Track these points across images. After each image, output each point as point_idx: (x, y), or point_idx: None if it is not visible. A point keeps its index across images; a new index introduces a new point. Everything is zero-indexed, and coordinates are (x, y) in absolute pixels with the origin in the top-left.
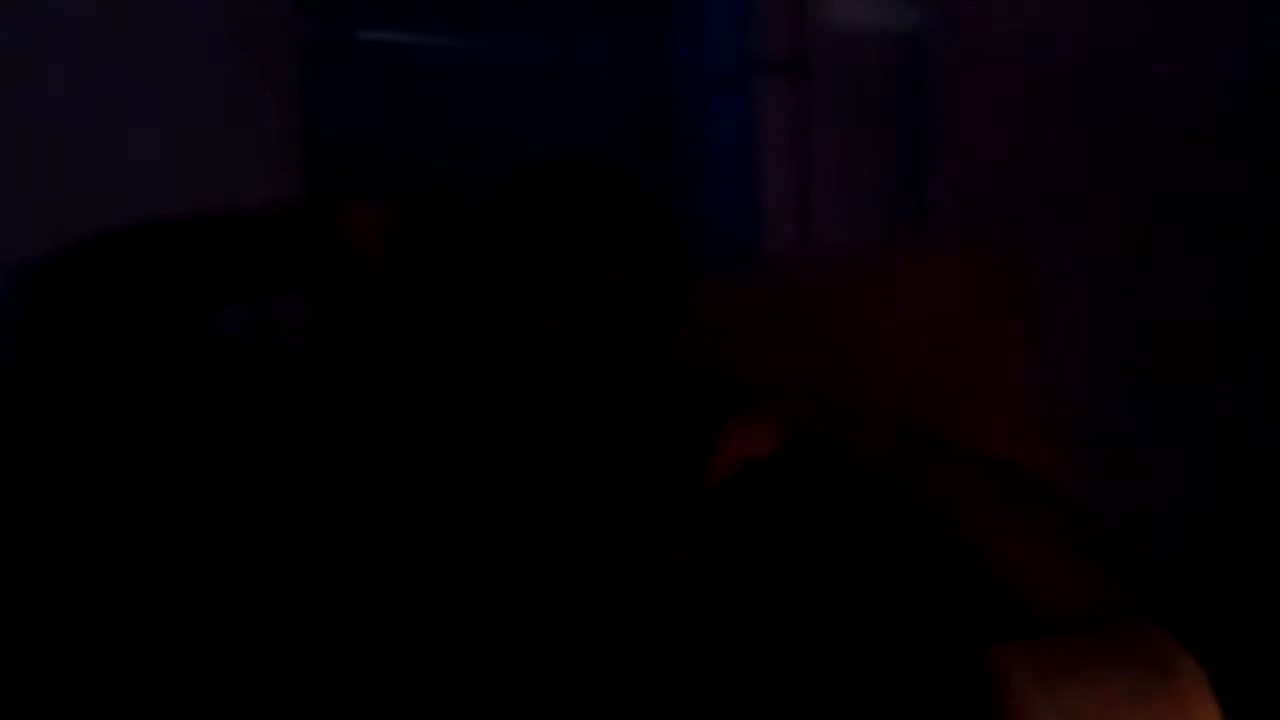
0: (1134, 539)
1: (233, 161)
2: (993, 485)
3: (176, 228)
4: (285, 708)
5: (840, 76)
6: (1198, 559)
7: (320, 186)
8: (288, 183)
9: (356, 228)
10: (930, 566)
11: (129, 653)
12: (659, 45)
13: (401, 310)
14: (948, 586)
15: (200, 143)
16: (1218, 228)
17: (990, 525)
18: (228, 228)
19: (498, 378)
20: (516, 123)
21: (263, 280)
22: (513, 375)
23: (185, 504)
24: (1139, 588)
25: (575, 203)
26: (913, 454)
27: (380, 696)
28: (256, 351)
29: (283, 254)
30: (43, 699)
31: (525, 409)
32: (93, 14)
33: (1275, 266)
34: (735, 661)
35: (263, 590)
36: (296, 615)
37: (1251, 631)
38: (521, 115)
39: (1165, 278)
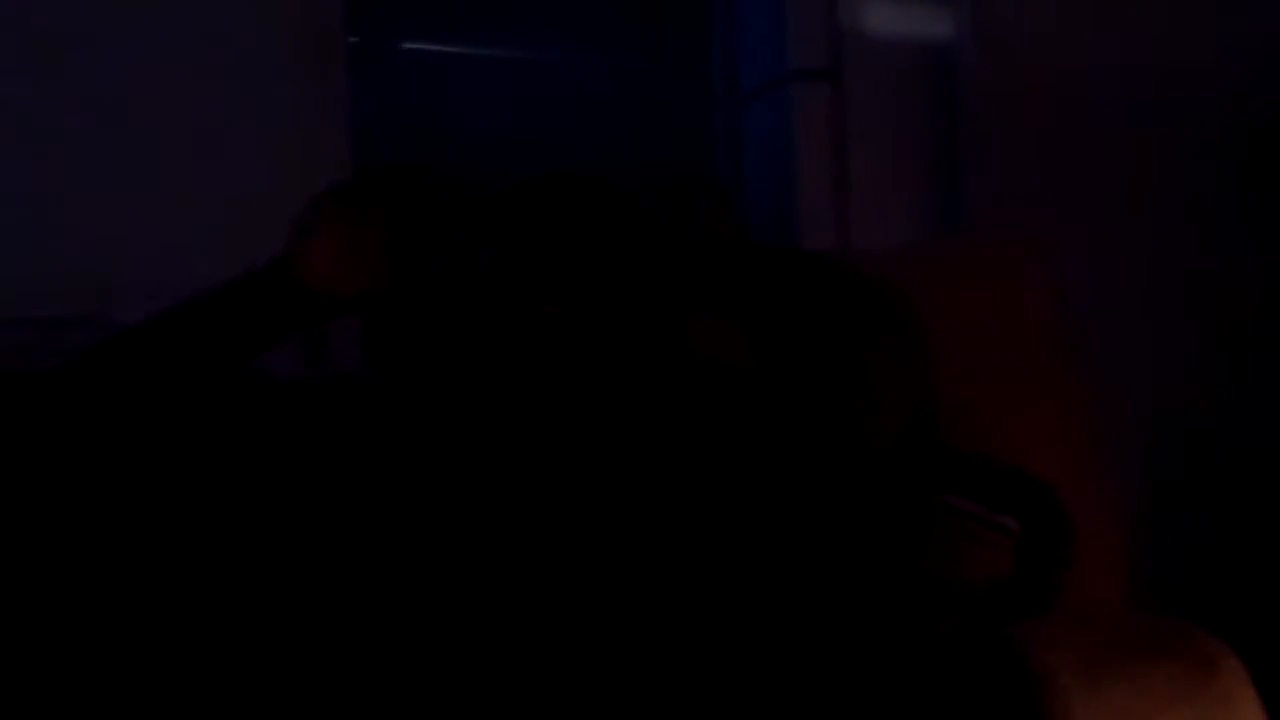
0: (1168, 536)
1: (284, 166)
2: None
3: (142, 335)
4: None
5: (876, 84)
6: (1233, 555)
7: None
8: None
9: (316, 265)
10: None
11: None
12: (697, 55)
13: (417, 314)
14: None
15: (254, 149)
16: (1254, 230)
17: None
18: (193, 316)
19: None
20: (556, 131)
21: (253, 342)
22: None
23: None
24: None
25: (549, 206)
26: None
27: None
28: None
29: (259, 315)
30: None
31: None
32: (151, 27)
33: None
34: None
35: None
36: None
37: None
38: (561, 124)
39: (1201, 280)
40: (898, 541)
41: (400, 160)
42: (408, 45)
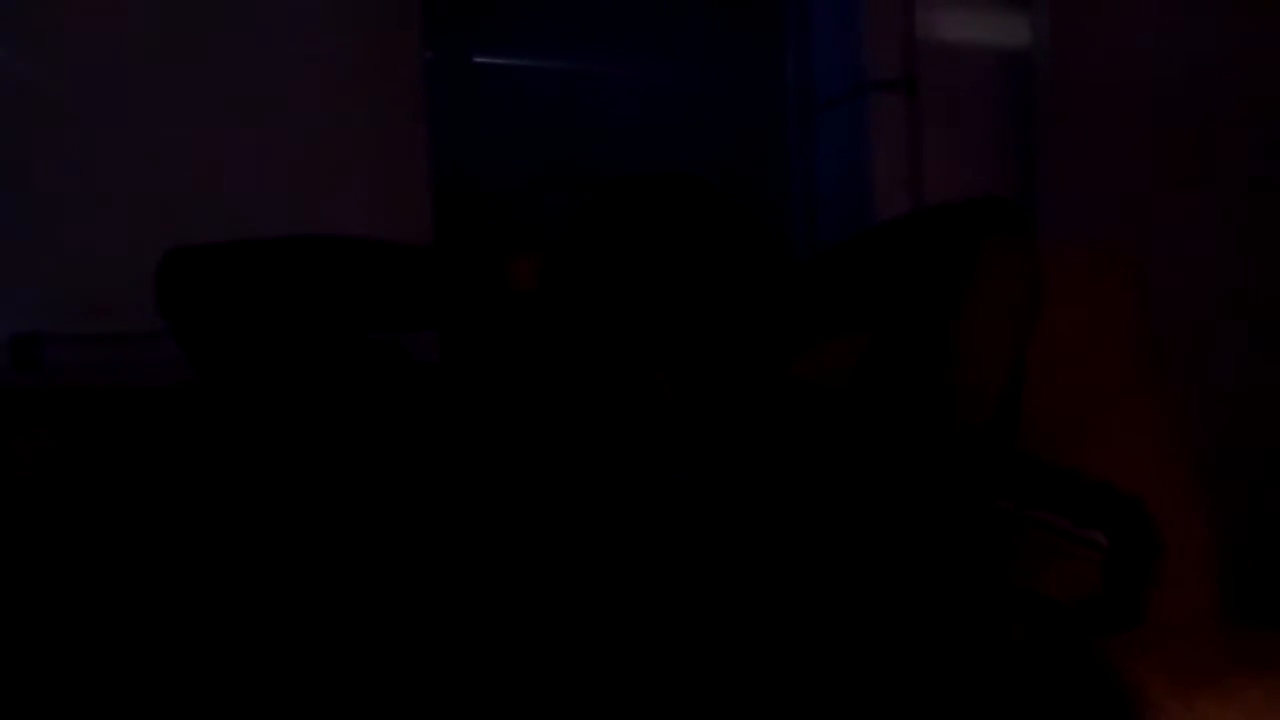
0: (1264, 545)
1: (363, 178)
2: None
3: (338, 247)
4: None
5: (951, 93)
6: None
7: (443, 202)
8: (414, 198)
9: (521, 276)
10: None
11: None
12: (771, 65)
13: (542, 337)
14: None
15: (334, 163)
16: None
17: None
18: (391, 258)
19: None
20: (632, 142)
21: (412, 313)
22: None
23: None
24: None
25: (654, 206)
26: None
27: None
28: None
29: (439, 292)
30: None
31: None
32: (229, 45)
33: None
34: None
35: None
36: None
37: None
38: (637, 135)
39: None
40: (986, 554)
41: (474, 174)
42: (479, 59)
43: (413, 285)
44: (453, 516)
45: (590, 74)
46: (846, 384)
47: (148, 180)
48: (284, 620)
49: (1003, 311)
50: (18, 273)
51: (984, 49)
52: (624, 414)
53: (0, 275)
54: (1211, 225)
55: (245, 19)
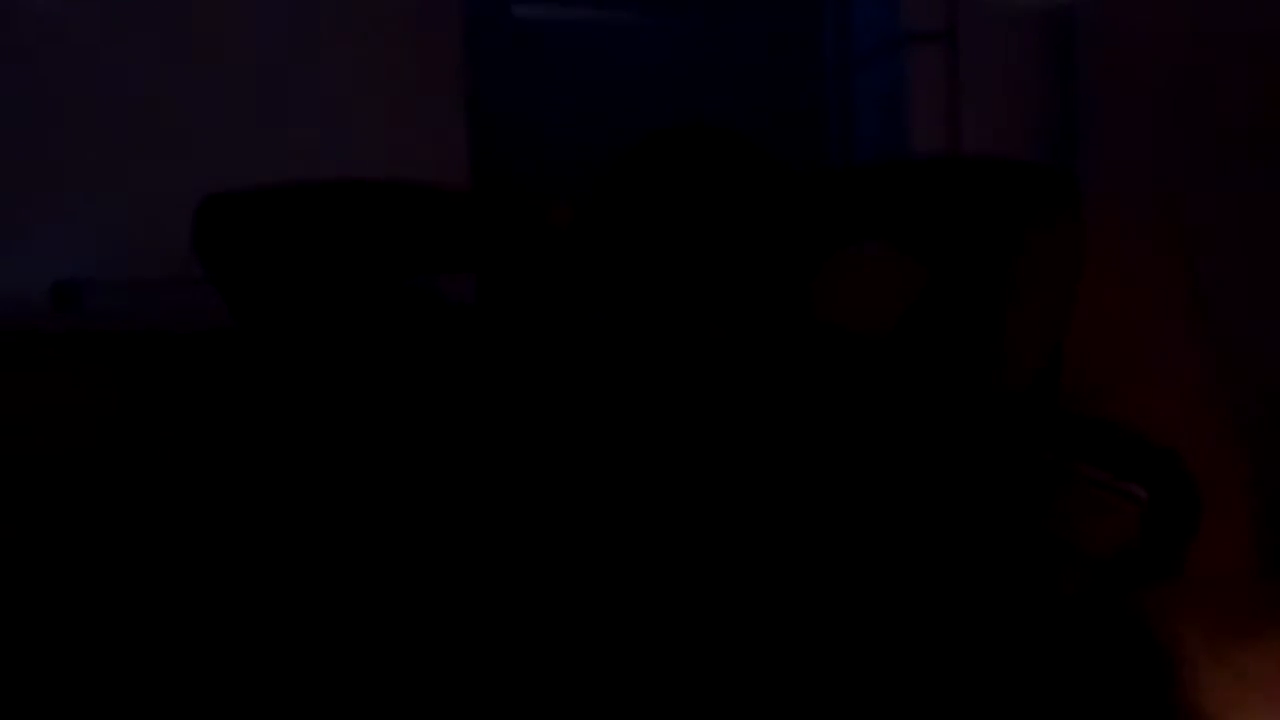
0: None
1: (402, 131)
2: None
3: (377, 190)
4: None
5: (991, 46)
6: None
7: (480, 156)
8: (451, 151)
9: (559, 223)
10: None
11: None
12: (809, 18)
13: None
14: None
15: (369, 117)
16: None
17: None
18: (430, 200)
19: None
20: (669, 94)
21: (451, 256)
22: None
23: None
24: None
25: (687, 159)
26: None
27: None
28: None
29: (479, 236)
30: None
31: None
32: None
33: None
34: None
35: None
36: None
37: None
38: (674, 87)
39: None
40: (1026, 505)
41: (511, 126)
42: (518, 12)
43: (452, 227)
44: (486, 467)
45: (628, 27)
46: (888, 336)
47: (185, 126)
48: (310, 586)
49: (1051, 288)
50: (57, 219)
51: (1025, 2)
52: (667, 364)
53: (39, 221)
54: (1255, 184)
55: None
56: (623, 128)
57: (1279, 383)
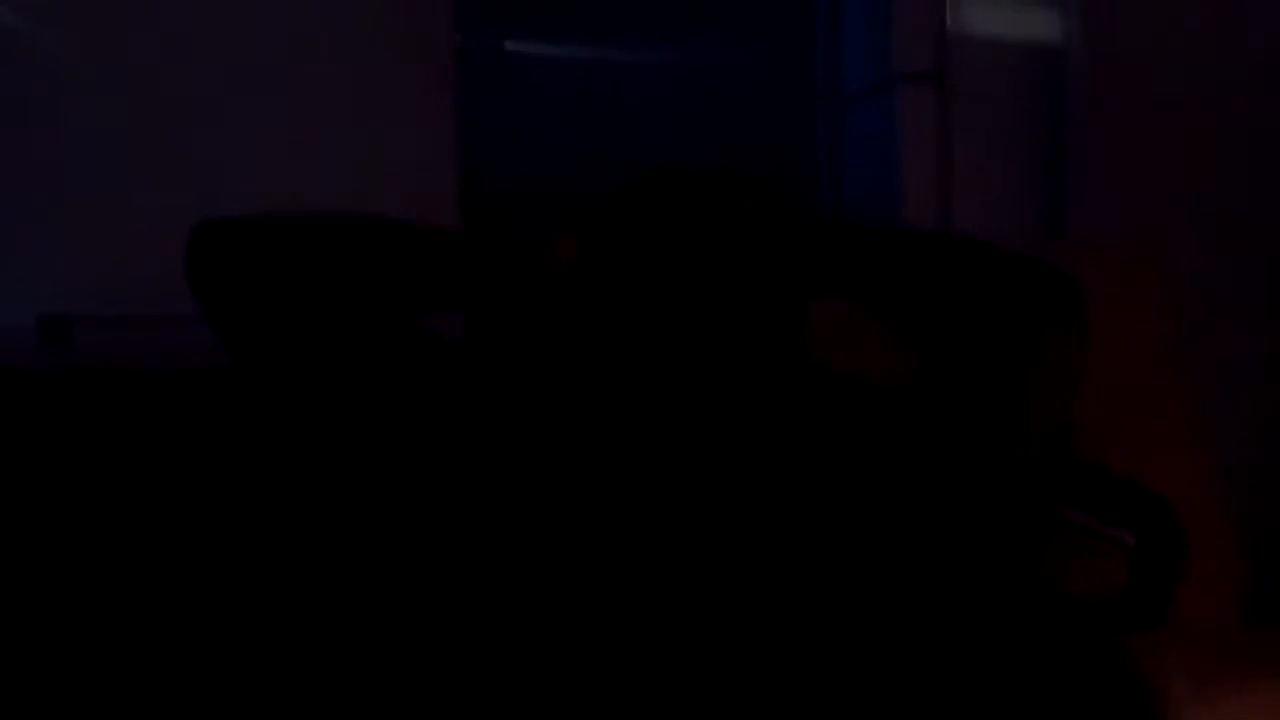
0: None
1: (393, 162)
2: None
3: (370, 226)
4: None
5: (982, 87)
6: None
7: (473, 187)
8: (441, 184)
9: (560, 261)
10: None
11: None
12: (801, 57)
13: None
14: None
15: (362, 147)
16: None
17: None
18: (423, 239)
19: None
20: (660, 130)
21: (443, 295)
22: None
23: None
24: None
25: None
26: None
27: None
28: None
29: (474, 276)
30: None
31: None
32: (258, 26)
33: None
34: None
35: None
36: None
37: None
38: (666, 124)
39: None
40: (1019, 552)
41: (503, 159)
42: (510, 46)
43: (445, 266)
44: (476, 501)
45: (620, 63)
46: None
47: (176, 163)
48: (309, 600)
49: (1060, 389)
50: (47, 254)
51: (1016, 42)
52: (663, 406)
53: (29, 257)
54: (1244, 223)
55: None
56: (614, 163)
57: (1266, 427)
